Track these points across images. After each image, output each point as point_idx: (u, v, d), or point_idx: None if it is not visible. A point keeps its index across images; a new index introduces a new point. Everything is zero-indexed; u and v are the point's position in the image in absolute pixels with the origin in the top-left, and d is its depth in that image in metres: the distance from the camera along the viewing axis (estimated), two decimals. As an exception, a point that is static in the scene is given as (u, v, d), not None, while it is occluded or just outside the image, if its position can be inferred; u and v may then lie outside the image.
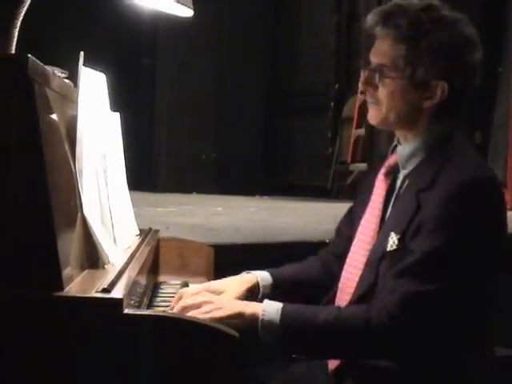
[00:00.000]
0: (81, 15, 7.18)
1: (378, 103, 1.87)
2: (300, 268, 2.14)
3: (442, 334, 1.72)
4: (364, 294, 1.81)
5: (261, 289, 2.00)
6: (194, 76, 7.88)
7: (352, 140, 7.20)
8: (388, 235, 1.79)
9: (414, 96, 1.83)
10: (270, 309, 1.71)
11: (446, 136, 1.86)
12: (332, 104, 7.77)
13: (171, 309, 1.79)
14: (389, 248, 1.78)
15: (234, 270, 2.07)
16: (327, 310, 1.82)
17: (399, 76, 1.83)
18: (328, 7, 7.94)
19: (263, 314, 1.70)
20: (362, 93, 1.93)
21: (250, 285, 1.98)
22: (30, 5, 1.79)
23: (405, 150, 1.88)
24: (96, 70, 1.80)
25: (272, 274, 2.04)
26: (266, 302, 1.74)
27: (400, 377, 1.77)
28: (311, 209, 5.93)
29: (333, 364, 1.94)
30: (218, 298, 1.80)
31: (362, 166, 6.87)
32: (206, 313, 1.67)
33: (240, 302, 1.81)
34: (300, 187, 7.72)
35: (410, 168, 1.87)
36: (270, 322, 1.69)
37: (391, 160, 1.93)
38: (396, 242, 1.77)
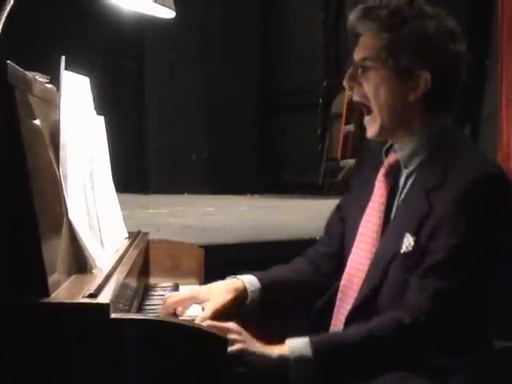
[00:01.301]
0: (67, 18, 7.16)
1: (364, 100, 1.86)
2: (289, 270, 2.08)
3: (471, 327, 1.73)
4: (368, 295, 1.79)
5: (249, 294, 1.94)
6: (184, 76, 7.88)
7: (341, 136, 7.21)
8: (402, 236, 1.77)
9: (398, 87, 1.82)
10: (297, 344, 1.64)
11: (443, 132, 1.85)
12: (321, 101, 7.78)
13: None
14: (404, 249, 1.76)
15: (228, 270, 2.06)
16: (355, 328, 1.75)
17: (382, 66, 1.82)
18: (316, 5, 7.95)
19: (292, 352, 1.62)
20: (349, 90, 1.92)
21: (237, 292, 1.93)
22: (12, 9, 1.79)
23: (404, 150, 1.87)
24: (81, 73, 1.80)
25: (260, 279, 1.98)
26: (290, 340, 1.65)
27: None
28: (303, 206, 5.94)
29: None
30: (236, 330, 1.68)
31: (352, 161, 6.87)
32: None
33: (261, 344, 1.67)
34: (291, 184, 7.74)
35: (412, 166, 1.85)
36: (301, 357, 1.61)
37: (391, 159, 1.90)
38: (412, 243, 1.74)
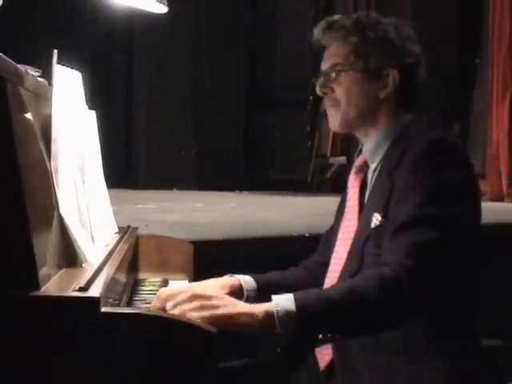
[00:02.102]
0: (57, 13, 7.14)
1: (337, 104, 1.95)
2: (284, 275, 2.10)
3: (450, 282, 1.72)
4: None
5: (244, 293, 1.94)
6: (173, 73, 7.86)
7: (331, 133, 7.21)
8: (370, 216, 1.83)
9: (369, 87, 1.93)
10: (282, 300, 1.61)
11: (406, 124, 1.94)
12: (310, 98, 7.77)
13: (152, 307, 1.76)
14: (373, 226, 1.81)
15: (215, 266, 2.06)
16: (337, 285, 1.79)
17: (352, 69, 1.92)
18: (305, 1, 7.95)
19: (277, 306, 1.59)
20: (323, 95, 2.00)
21: (232, 289, 1.92)
22: (2, 4, 1.79)
23: (370, 144, 1.96)
24: (71, 67, 1.80)
25: (256, 279, 1.98)
26: (275, 296, 1.63)
27: (391, 372, 1.78)
28: (291, 203, 5.94)
29: (324, 362, 1.94)
30: (219, 296, 1.63)
31: (342, 159, 6.88)
32: (207, 310, 1.52)
33: (244, 303, 1.65)
34: (280, 181, 7.74)
35: (378, 160, 1.93)
36: (286, 312, 1.58)
37: (360, 160, 2.00)
38: (379, 218, 1.81)
